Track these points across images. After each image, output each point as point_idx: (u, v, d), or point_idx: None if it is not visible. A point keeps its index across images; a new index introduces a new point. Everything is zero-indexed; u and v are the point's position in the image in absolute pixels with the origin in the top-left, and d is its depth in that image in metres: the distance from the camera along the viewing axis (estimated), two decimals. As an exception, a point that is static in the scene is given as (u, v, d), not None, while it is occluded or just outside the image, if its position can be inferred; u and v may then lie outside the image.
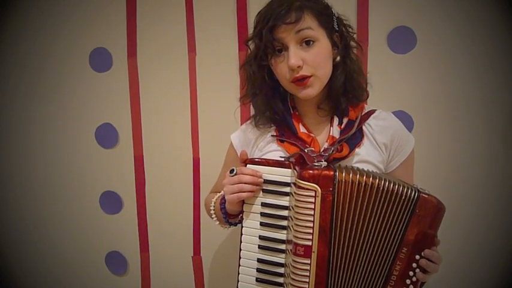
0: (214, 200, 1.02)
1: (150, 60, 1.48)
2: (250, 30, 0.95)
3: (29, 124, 1.66)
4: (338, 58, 0.90)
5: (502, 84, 1.22)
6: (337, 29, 0.89)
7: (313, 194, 0.77)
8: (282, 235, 0.84)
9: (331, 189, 0.77)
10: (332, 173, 0.78)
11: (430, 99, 1.27)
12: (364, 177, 0.78)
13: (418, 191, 0.78)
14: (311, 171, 0.78)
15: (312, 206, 0.78)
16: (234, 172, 0.87)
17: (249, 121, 1.04)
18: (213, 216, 1.02)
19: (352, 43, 0.93)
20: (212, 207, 1.01)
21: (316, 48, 0.85)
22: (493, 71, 1.22)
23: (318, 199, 0.77)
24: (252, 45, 0.93)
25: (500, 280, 1.30)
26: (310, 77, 0.86)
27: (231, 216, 0.96)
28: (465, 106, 1.25)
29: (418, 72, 1.26)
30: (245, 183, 0.84)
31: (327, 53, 0.88)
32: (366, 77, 0.97)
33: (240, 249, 0.88)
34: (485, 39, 1.21)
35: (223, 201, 0.93)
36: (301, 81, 0.86)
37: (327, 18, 0.88)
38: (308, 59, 0.84)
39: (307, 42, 0.84)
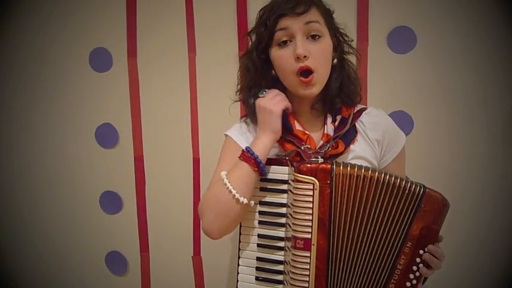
0: (227, 173, 0.87)
1: (150, 60, 1.48)
2: (250, 30, 0.95)
3: (29, 124, 1.66)
4: (335, 61, 0.92)
5: (502, 84, 1.22)
6: (335, 36, 0.93)
7: (311, 187, 0.79)
8: (280, 232, 0.85)
9: (328, 182, 0.79)
10: (330, 166, 0.79)
11: (430, 99, 1.27)
12: (363, 170, 0.79)
13: (424, 186, 0.79)
14: (309, 165, 0.79)
15: (311, 199, 0.79)
16: (266, 91, 0.90)
17: (242, 119, 1.02)
18: (233, 191, 0.83)
19: (350, 50, 0.95)
20: (228, 183, 0.84)
21: (321, 44, 0.86)
22: (493, 71, 1.22)
23: (316, 192, 0.79)
24: (253, 37, 0.93)
25: (500, 280, 1.30)
26: (313, 72, 0.85)
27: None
28: (465, 106, 1.25)
29: (418, 72, 1.26)
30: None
31: (329, 52, 0.89)
32: (360, 82, 0.98)
33: (239, 249, 0.88)
34: (485, 39, 1.21)
35: (252, 154, 0.83)
36: (307, 77, 0.84)
37: (331, 20, 0.91)
38: (313, 52, 0.84)
39: (314, 37, 0.85)
